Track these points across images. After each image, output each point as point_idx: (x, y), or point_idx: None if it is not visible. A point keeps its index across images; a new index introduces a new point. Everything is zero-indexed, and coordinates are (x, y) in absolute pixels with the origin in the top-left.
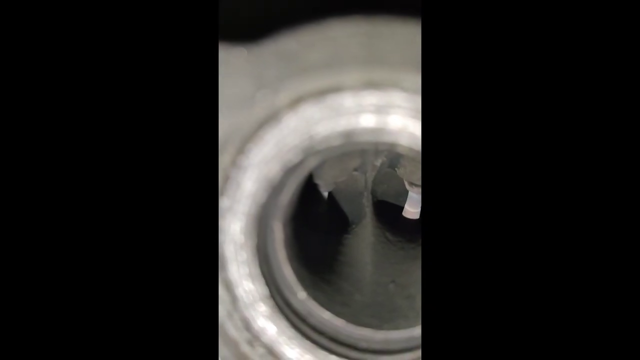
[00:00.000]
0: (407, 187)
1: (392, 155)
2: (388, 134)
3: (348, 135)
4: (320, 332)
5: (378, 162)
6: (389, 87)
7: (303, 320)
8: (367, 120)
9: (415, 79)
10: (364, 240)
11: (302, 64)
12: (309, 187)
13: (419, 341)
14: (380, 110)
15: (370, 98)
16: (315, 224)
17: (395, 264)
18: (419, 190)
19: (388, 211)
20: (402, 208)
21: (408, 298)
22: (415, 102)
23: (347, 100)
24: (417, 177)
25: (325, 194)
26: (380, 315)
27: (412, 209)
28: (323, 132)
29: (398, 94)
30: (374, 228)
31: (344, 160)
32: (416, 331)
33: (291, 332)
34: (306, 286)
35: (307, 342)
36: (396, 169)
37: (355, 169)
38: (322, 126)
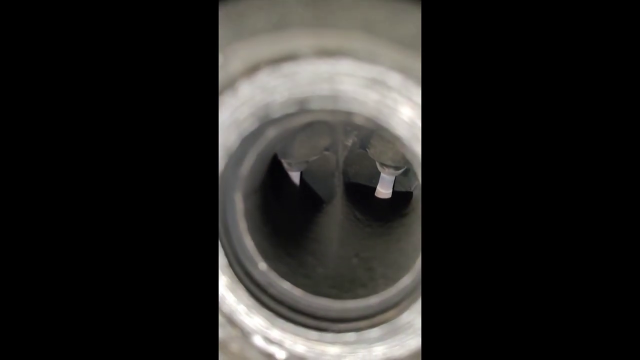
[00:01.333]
0: (379, 168)
1: (362, 135)
2: (342, 102)
3: (302, 103)
4: (280, 302)
5: (349, 142)
6: (341, 55)
7: (263, 290)
8: (321, 89)
9: (366, 46)
10: (333, 218)
11: (251, 27)
12: (277, 164)
13: (375, 309)
14: (333, 78)
15: (324, 66)
16: (285, 201)
17: (361, 240)
18: (391, 170)
19: (359, 191)
20: (373, 189)
21: (369, 270)
22: (366, 70)
23: (302, 68)
24: (388, 157)
25: (297, 173)
26: (340, 285)
27: (383, 190)
28: (279, 100)
29: (350, 62)
30: (343, 207)
31: (314, 138)
32: (373, 300)
33: (250, 301)
34: (267, 258)
35: (266, 311)
36: (367, 149)
37: (327, 149)
38: (277, 94)
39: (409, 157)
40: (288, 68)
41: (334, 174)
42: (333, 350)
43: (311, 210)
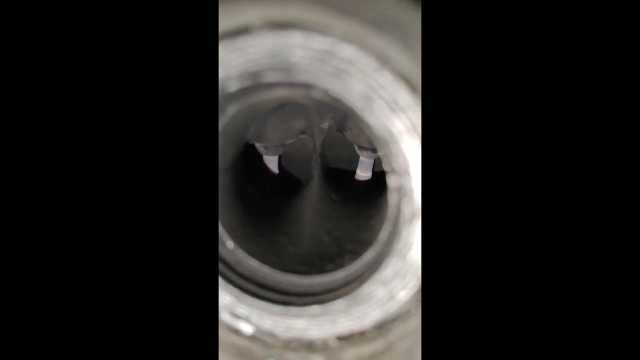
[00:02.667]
0: (357, 151)
1: (338, 118)
2: (296, 74)
3: (257, 76)
4: (248, 279)
5: (325, 125)
6: (293, 27)
7: (231, 268)
8: (275, 62)
9: (316, 18)
10: (309, 200)
11: None
12: (252, 147)
13: (341, 282)
14: (286, 51)
15: (276, 39)
16: (262, 185)
17: (334, 220)
18: (368, 153)
19: (338, 174)
20: (352, 172)
21: (338, 247)
22: (317, 42)
23: (255, 41)
24: (364, 138)
25: (275, 158)
26: (309, 262)
27: (362, 173)
28: (233, 73)
29: (301, 34)
30: (320, 189)
31: (287, 121)
32: (339, 274)
33: (219, 279)
34: (235, 237)
35: (233, 288)
36: (344, 132)
37: (303, 132)
38: (232, 68)
39: (364, 129)
40: (241, 42)
41: (311, 157)
42: (299, 323)
43: (287, 193)
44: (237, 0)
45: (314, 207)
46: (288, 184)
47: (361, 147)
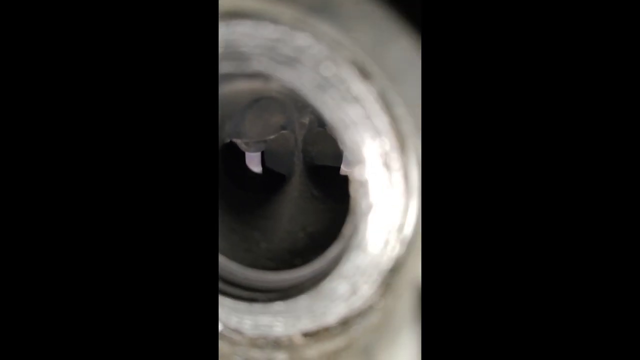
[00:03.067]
0: (340, 146)
1: (319, 113)
2: (247, 65)
3: (227, 43)
4: None
5: (306, 120)
6: (240, 17)
7: None
8: (227, 52)
9: (263, 6)
10: (289, 196)
11: None
12: (231, 145)
13: (308, 277)
14: (236, 42)
15: (225, 29)
16: (239, 180)
17: (311, 215)
18: None
19: (322, 170)
20: (335, 167)
21: (311, 242)
22: (267, 31)
23: None
24: None
25: (257, 154)
26: (279, 258)
27: (347, 168)
28: None
29: (249, 23)
30: (301, 185)
31: (264, 116)
32: (306, 270)
33: None
34: None
35: None
36: (326, 127)
37: (283, 127)
38: None
39: (319, 118)
40: None
41: (293, 153)
42: (264, 320)
43: (268, 189)
44: None
45: (293, 203)
46: (270, 181)
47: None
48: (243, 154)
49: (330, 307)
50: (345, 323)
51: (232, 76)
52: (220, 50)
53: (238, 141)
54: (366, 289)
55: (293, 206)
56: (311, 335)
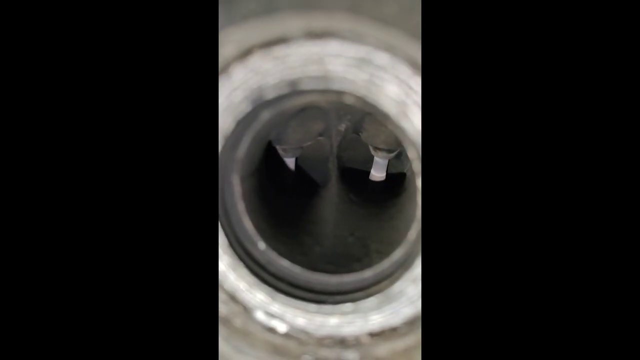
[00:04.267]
0: (372, 152)
1: (355, 120)
2: (332, 82)
3: (294, 84)
4: (279, 278)
5: (342, 127)
6: (329, 36)
7: (263, 268)
8: (312, 70)
9: (352, 26)
10: (328, 201)
11: (243, 12)
12: (272, 150)
13: (370, 281)
14: (323, 59)
15: (313, 48)
16: (282, 186)
17: (355, 220)
18: (383, 154)
19: (353, 175)
20: (367, 172)
21: (363, 247)
22: (354, 50)
23: (292, 50)
24: (380, 140)
25: (292, 159)
26: (336, 262)
27: (376, 174)
28: (271, 82)
29: (338, 43)
30: (339, 190)
31: (307, 123)
32: (367, 273)
33: (251, 278)
34: (266, 238)
35: (267, 288)
36: (360, 133)
37: (321, 134)
38: (270, 77)
39: (398, 134)
40: (279, 51)
41: (328, 159)
42: (332, 321)
43: (307, 194)
44: (273, 11)
45: (335, 208)
46: (306, 185)
47: (376, 148)
48: (279, 158)
49: (398, 308)
50: (412, 324)
51: (311, 92)
52: (306, 67)
53: (278, 147)
54: None
55: (335, 211)
56: (378, 335)
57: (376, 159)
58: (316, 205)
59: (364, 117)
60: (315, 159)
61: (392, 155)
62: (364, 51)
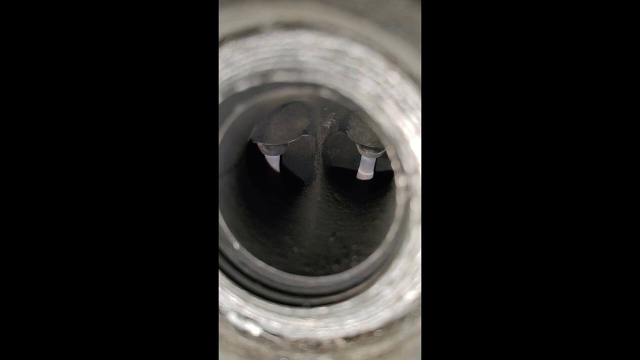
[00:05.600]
0: (359, 150)
1: (341, 117)
2: (306, 74)
3: (266, 76)
4: (254, 280)
5: (327, 124)
6: (301, 27)
7: (237, 269)
8: (284, 61)
9: (325, 18)
10: (312, 200)
11: None
12: (254, 147)
13: (347, 284)
14: (295, 51)
15: (286, 39)
16: (264, 185)
17: (338, 220)
18: (371, 152)
19: (340, 174)
20: (355, 171)
21: (344, 248)
22: (327, 41)
23: (264, 41)
24: (367, 137)
25: (276, 157)
26: (315, 263)
27: (364, 173)
28: (242, 74)
29: (311, 34)
30: (323, 189)
31: (290, 120)
32: (345, 275)
33: (225, 280)
34: (241, 238)
35: (240, 290)
36: (346, 131)
37: (305, 131)
38: (241, 68)
39: (375, 130)
40: (250, 42)
41: (313, 157)
42: (307, 324)
43: (290, 193)
44: (248, 0)
45: (318, 207)
46: (290, 184)
47: (363, 146)
48: (263, 156)
49: (375, 312)
50: (389, 327)
51: (284, 84)
52: (278, 59)
53: (260, 144)
54: (412, 295)
55: (318, 210)
56: (354, 339)
57: (363, 157)
58: (298, 205)
59: (349, 114)
60: (300, 157)
61: (380, 154)
62: (338, 43)
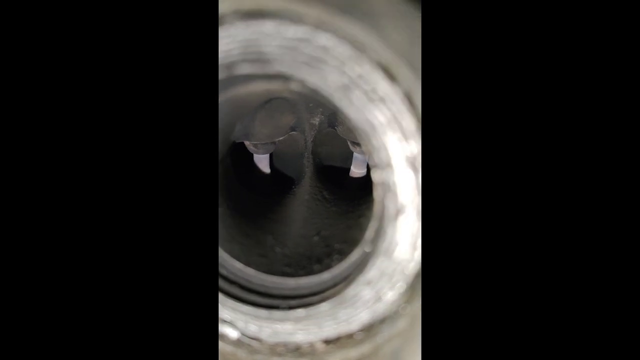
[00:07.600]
0: (350, 147)
1: (329, 113)
2: (269, 65)
3: (230, 67)
4: (232, 282)
5: (315, 121)
6: (263, 16)
7: None
8: (247, 52)
9: (283, 4)
10: (299, 198)
11: None
12: (239, 145)
13: (328, 284)
14: (258, 41)
15: (248, 29)
16: (250, 184)
17: (324, 219)
18: (361, 149)
19: (331, 172)
20: (347, 169)
21: (327, 247)
22: (290, 30)
23: (225, 32)
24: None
25: (266, 156)
26: (296, 263)
27: (356, 170)
28: None
29: (272, 23)
30: (311, 187)
31: (275, 117)
32: (325, 275)
33: None
34: (219, 238)
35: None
36: (336, 127)
37: (293, 129)
38: None
39: (346, 123)
40: None
41: (303, 155)
42: (284, 327)
43: (278, 192)
44: None
45: (305, 206)
46: (279, 183)
47: (354, 143)
48: (251, 155)
49: (354, 313)
50: (369, 330)
51: (251, 77)
52: (241, 50)
53: (247, 143)
54: (391, 295)
55: (305, 209)
56: (333, 342)
57: (355, 154)
58: (285, 204)
59: (337, 109)
60: (289, 155)
61: None
62: (302, 31)
